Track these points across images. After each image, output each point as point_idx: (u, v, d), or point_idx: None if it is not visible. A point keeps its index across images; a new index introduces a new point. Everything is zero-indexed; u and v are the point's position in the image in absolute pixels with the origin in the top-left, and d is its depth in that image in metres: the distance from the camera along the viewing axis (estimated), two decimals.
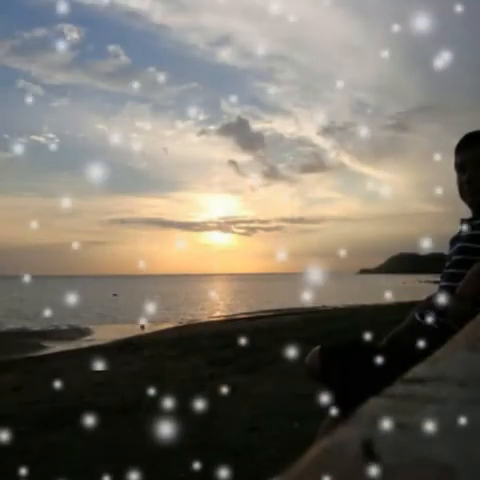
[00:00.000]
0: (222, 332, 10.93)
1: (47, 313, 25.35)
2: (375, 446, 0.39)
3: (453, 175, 2.05)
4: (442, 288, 1.96)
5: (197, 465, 3.24)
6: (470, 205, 2.04)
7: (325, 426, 1.94)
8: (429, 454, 0.38)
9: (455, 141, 2.04)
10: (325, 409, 1.99)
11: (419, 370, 0.62)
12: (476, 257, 1.82)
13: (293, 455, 0.43)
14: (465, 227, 1.98)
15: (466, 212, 2.06)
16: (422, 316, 1.97)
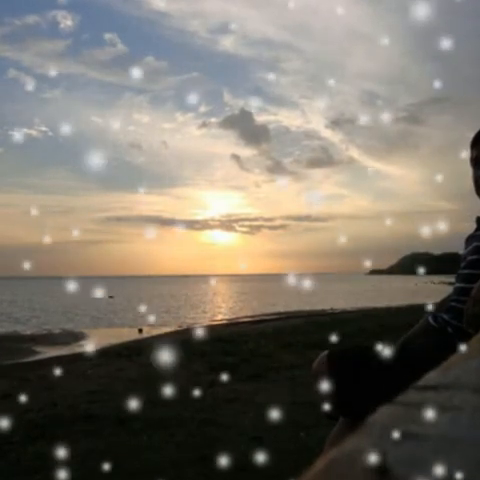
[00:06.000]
0: (224, 337, 10.93)
1: (39, 316, 25.41)
2: (386, 457, 0.39)
3: (468, 170, 2.04)
4: (457, 290, 1.96)
5: (198, 477, 3.24)
6: None
7: (333, 436, 1.94)
8: (443, 465, 0.38)
9: (470, 134, 2.04)
10: (333, 418, 1.99)
11: (432, 377, 0.62)
12: None
13: (299, 467, 0.43)
14: None
15: None
16: (436, 319, 1.97)
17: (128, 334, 17.35)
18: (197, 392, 5.45)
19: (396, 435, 0.43)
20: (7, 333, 18.84)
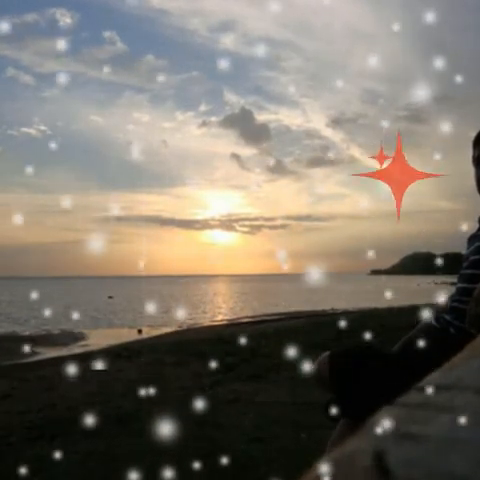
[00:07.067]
0: (224, 337, 10.93)
1: (38, 317, 25.40)
2: (387, 458, 0.39)
3: (470, 169, 2.04)
4: (459, 290, 1.96)
5: (199, 479, 3.24)
6: None
7: (335, 437, 1.94)
8: (444, 466, 0.38)
9: (472, 134, 2.04)
10: (334, 419, 1.99)
11: (434, 377, 0.62)
12: None
13: (300, 468, 0.43)
14: None
15: None
16: (438, 320, 1.97)
17: (128, 334, 17.36)
18: (197, 392, 5.45)
19: (397, 436, 0.43)
20: (6, 333, 18.84)
